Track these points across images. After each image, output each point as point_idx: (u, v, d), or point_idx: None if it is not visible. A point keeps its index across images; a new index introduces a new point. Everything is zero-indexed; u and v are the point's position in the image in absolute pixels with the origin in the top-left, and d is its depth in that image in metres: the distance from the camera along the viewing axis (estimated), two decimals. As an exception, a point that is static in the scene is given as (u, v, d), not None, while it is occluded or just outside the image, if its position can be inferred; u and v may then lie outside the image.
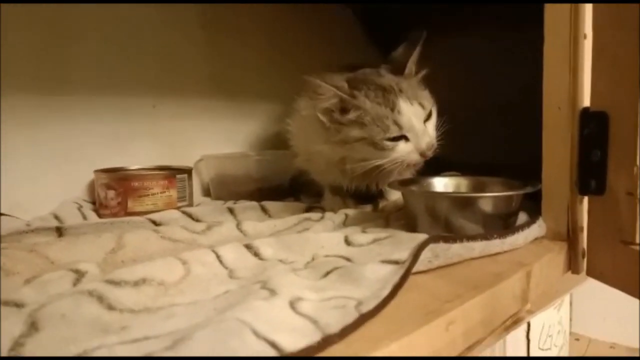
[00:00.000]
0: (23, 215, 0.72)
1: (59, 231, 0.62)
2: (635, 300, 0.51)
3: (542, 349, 0.79)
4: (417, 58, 0.71)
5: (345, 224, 0.68)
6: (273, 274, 0.42)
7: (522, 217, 0.61)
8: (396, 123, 0.65)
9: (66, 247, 0.54)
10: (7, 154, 0.73)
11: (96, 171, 0.79)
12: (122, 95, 0.87)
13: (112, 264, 0.51)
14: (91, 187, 0.82)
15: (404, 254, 0.46)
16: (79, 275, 0.44)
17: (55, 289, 0.41)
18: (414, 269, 0.45)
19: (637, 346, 1.21)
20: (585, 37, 0.55)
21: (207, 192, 0.99)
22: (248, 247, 0.51)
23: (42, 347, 0.30)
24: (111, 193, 0.75)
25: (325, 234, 0.56)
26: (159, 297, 0.39)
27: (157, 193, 0.77)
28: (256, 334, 0.30)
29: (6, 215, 0.71)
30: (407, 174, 0.78)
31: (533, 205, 0.61)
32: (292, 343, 0.30)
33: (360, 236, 0.56)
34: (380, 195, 0.82)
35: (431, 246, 0.47)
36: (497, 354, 0.75)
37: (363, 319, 0.35)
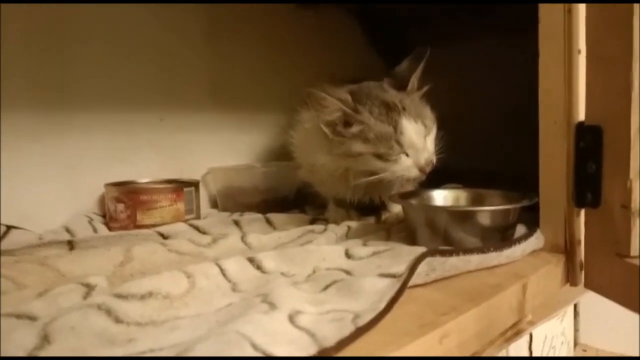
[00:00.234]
0: (33, 229, 0.74)
1: (70, 244, 0.64)
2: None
3: (545, 360, 0.80)
4: (420, 74, 0.73)
5: (347, 236, 0.70)
6: (274, 287, 0.44)
7: (520, 230, 0.62)
8: (398, 142, 0.66)
9: (77, 261, 0.56)
10: (17, 167, 0.75)
11: (106, 185, 0.81)
12: (129, 109, 0.89)
13: (121, 277, 0.53)
14: (101, 201, 0.84)
15: (401, 268, 0.47)
16: (89, 288, 0.46)
17: (66, 302, 0.43)
18: (412, 282, 0.46)
19: (646, 356, 1.20)
20: (579, 52, 0.57)
21: (214, 204, 1.01)
22: (251, 260, 0.52)
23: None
24: (121, 206, 0.78)
25: (326, 247, 0.57)
26: (165, 310, 0.41)
27: (165, 206, 0.79)
28: (254, 346, 0.32)
29: (19, 228, 0.73)
30: (409, 187, 0.80)
31: (532, 217, 0.62)
32: (289, 355, 0.32)
33: (360, 249, 0.57)
34: (383, 207, 0.83)
35: (428, 259, 0.48)
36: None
37: (359, 332, 0.36)
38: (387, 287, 0.44)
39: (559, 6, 0.57)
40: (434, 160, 0.68)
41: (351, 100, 0.69)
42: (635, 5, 0.49)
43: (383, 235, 0.68)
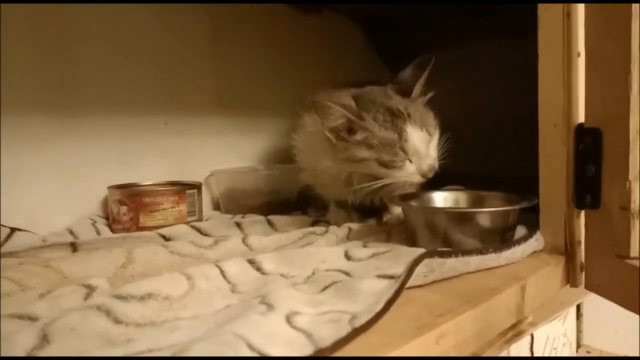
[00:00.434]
0: (38, 231, 0.75)
1: (73, 246, 0.65)
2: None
3: (547, 362, 0.80)
4: (425, 81, 0.73)
5: (348, 237, 0.70)
6: (273, 289, 0.44)
7: (520, 231, 0.62)
8: (403, 149, 0.67)
9: (79, 262, 0.56)
10: (22, 171, 0.76)
11: (109, 187, 0.82)
12: (134, 113, 0.90)
13: (122, 279, 0.54)
14: (105, 203, 0.85)
15: (399, 269, 0.47)
16: (90, 290, 0.46)
17: (67, 303, 0.43)
18: (411, 283, 0.46)
19: (650, 359, 1.19)
20: (579, 55, 0.57)
21: (217, 206, 1.02)
22: (251, 262, 0.53)
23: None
24: (123, 208, 0.78)
25: (326, 249, 0.58)
26: (164, 311, 0.41)
27: (168, 208, 0.80)
28: (251, 347, 0.32)
29: (23, 230, 0.74)
30: (411, 188, 0.80)
31: (533, 219, 0.62)
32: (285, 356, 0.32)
33: (360, 251, 0.57)
34: (385, 208, 0.84)
35: (426, 261, 0.48)
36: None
37: (356, 333, 0.37)
38: (385, 289, 0.44)
39: (558, 9, 0.57)
40: (436, 166, 0.69)
41: (355, 107, 0.69)
42: (634, 8, 0.49)
43: (383, 236, 0.68)
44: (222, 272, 0.50)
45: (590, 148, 0.56)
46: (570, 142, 0.57)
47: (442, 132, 0.74)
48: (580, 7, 0.55)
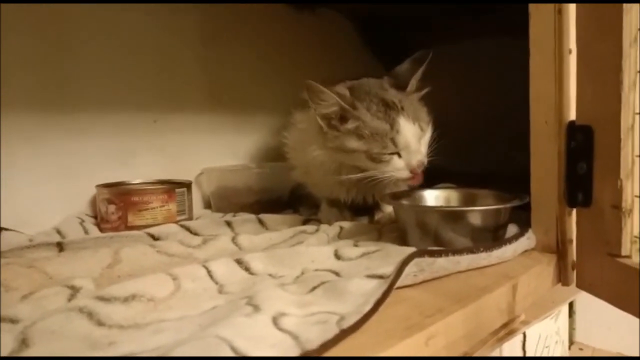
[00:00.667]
0: (27, 230, 0.74)
1: (60, 246, 0.64)
2: None
3: (539, 360, 0.79)
4: (421, 76, 0.73)
5: (339, 236, 0.70)
6: (260, 289, 0.44)
7: (512, 229, 0.62)
8: (393, 141, 0.66)
9: (65, 263, 0.56)
10: (12, 169, 0.75)
11: (97, 186, 0.80)
12: (123, 110, 0.89)
13: (109, 279, 0.53)
14: (94, 202, 0.84)
15: (389, 269, 0.46)
16: (74, 290, 0.45)
17: (50, 304, 0.42)
18: (401, 283, 0.46)
19: (642, 355, 1.20)
20: (570, 51, 0.56)
21: (208, 205, 1.01)
22: (239, 261, 0.52)
23: (31, 363, 0.32)
24: (112, 207, 0.77)
25: (315, 248, 0.57)
26: (149, 313, 0.41)
27: (157, 207, 0.79)
28: (234, 350, 0.31)
29: (10, 230, 0.72)
30: (403, 186, 0.80)
31: (525, 216, 0.62)
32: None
33: (350, 250, 0.57)
34: (377, 207, 0.83)
35: (416, 260, 0.48)
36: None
37: (343, 335, 0.36)
38: (374, 289, 0.43)
39: (550, 6, 0.56)
40: (426, 163, 0.68)
41: (349, 96, 0.69)
42: (625, 5, 0.49)
43: (375, 235, 0.68)
44: (209, 272, 0.49)
45: (582, 146, 0.55)
46: (562, 139, 0.57)
47: (437, 129, 0.74)
48: (572, 4, 0.55)
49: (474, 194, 0.68)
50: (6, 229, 0.72)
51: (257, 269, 0.52)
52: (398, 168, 0.67)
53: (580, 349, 1.27)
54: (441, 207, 0.67)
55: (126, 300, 0.41)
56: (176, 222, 0.78)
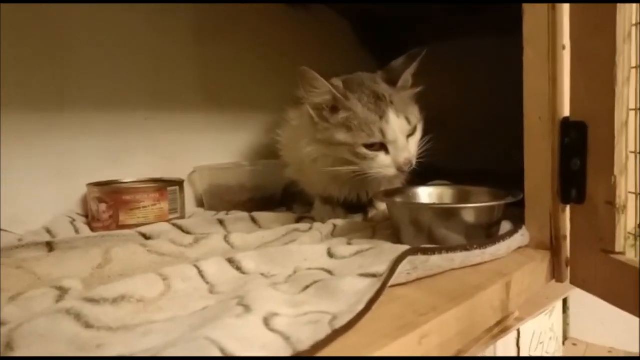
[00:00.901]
0: (16, 229, 0.73)
1: (50, 246, 0.63)
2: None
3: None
4: (414, 72, 0.72)
5: (333, 234, 0.69)
6: (252, 289, 0.43)
7: (506, 226, 0.61)
8: (381, 131, 0.66)
9: (54, 263, 0.55)
10: (5, 169, 0.74)
11: (88, 185, 0.80)
12: (115, 109, 0.88)
13: (99, 279, 0.52)
14: (85, 201, 0.83)
15: (382, 267, 0.46)
16: (62, 292, 0.45)
17: (37, 306, 0.41)
18: (394, 281, 0.45)
19: (636, 350, 1.20)
20: (564, 47, 0.56)
21: (200, 203, 1.00)
22: (230, 261, 0.51)
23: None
24: (103, 206, 0.76)
25: (308, 247, 0.56)
26: (138, 314, 0.40)
27: (149, 206, 0.78)
28: (223, 351, 0.31)
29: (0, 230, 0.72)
30: (397, 183, 0.79)
31: (519, 213, 0.62)
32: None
33: (343, 248, 0.56)
34: (371, 204, 0.83)
35: (410, 258, 0.47)
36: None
37: (336, 335, 0.35)
38: (367, 288, 0.43)
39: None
40: (414, 162, 0.67)
41: (342, 87, 0.69)
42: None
43: (369, 233, 0.67)
44: (200, 272, 0.48)
45: (576, 142, 0.55)
46: (556, 135, 0.57)
47: (432, 126, 0.73)
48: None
49: (467, 191, 0.67)
50: (-5, 229, 0.71)
51: (249, 268, 0.51)
52: (384, 165, 0.67)
53: (574, 345, 1.27)
54: (434, 204, 0.67)
55: (115, 301, 0.40)
56: (168, 220, 0.77)
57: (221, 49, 1.04)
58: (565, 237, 0.58)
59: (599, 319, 1.26)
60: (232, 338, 0.32)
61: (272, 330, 0.35)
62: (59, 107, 0.80)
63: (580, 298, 1.23)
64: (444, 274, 0.51)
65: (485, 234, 0.58)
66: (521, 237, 0.58)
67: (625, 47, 0.49)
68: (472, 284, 0.48)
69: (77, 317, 0.37)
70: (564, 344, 1.19)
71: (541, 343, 0.81)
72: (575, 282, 0.58)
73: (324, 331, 0.35)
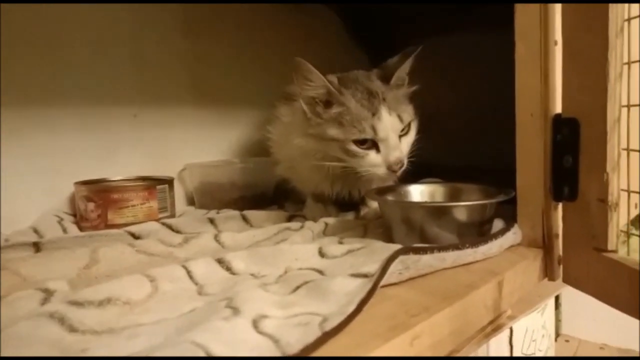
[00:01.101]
0: (2, 229, 0.71)
1: (36, 246, 0.62)
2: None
3: (526, 354, 0.79)
4: (410, 70, 0.72)
5: (324, 233, 0.68)
6: (241, 290, 0.42)
7: (498, 224, 0.61)
8: (373, 128, 0.65)
9: (40, 264, 0.54)
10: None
11: (76, 183, 0.78)
12: (104, 105, 0.86)
13: (86, 280, 0.51)
14: (73, 200, 0.82)
15: (373, 267, 0.45)
16: (48, 294, 0.44)
17: (21, 309, 0.40)
18: (385, 281, 0.45)
19: (628, 347, 1.21)
20: (556, 43, 0.55)
21: (191, 201, 0.99)
22: (220, 261, 0.50)
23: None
24: (91, 205, 0.75)
25: (299, 246, 0.56)
26: (124, 317, 0.39)
27: (138, 204, 0.77)
28: (210, 355, 0.30)
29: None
30: (389, 181, 0.79)
31: (512, 211, 0.61)
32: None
33: (335, 247, 0.56)
34: (363, 202, 0.82)
35: (401, 258, 0.47)
36: None
37: (326, 337, 0.35)
38: (358, 288, 0.42)
39: None
40: (405, 162, 0.67)
41: (337, 82, 0.68)
42: (611, -4, 0.48)
43: (360, 231, 0.67)
44: (188, 272, 0.47)
45: (568, 139, 0.55)
46: (548, 132, 0.56)
47: (424, 123, 0.73)
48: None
49: (459, 189, 0.67)
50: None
51: (239, 269, 0.50)
52: (374, 164, 0.66)
53: (566, 341, 1.28)
54: (426, 202, 0.66)
55: (101, 304, 0.39)
56: (158, 219, 0.76)
57: (211, 45, 1.02)
58: (557, 235, 0.58)
59: (591, 316, 1.26)
60: (219, 342, 0.32)
61: (261, 332, 0.35)
62: (45, 104, 0.79)
63: (572, 295, 1.23)
64: (435, 273, 0.50)
65: (477, 232, 0.57)
66: (513, 236, 0.58)
67: (617, 42, 0.49)
68: (464, 283, 0.47)
69: (61, 320, 0.36)
70: (556, 340, 1.20)
71: (534, 340, 0.81)
72: (567, 281, 0.58)
73: (313, 333, 0.34)
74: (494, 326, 0.66)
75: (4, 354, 0.32)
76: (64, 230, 0.74)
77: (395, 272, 0.46)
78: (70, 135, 0.82)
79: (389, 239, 0.60)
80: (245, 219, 0.78)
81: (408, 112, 0.69)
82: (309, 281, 0.46)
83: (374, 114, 0.65)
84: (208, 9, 1.01)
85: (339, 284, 0.43)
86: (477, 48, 1.06)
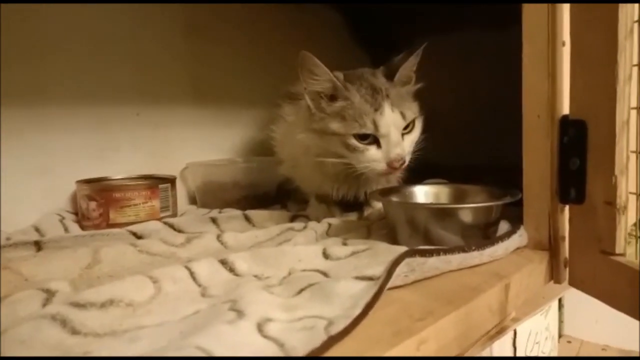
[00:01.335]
0: (4, 228, 0.71)
1: (38, 245, 0.62)
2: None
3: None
4: (415, 67, 0.71)
5: (328, 233, 0.68)
6: (244, 292, 0.42)
7: (503, 227, 0.60)
8: (374, 123, 0.65)
9: (41, 263, 0.53)
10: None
11: (78, 182, 0.78)
12: (104, 104, 0.86)
13: (87, 280, 0.51)
14: (74, 198, 0.81)
15: (379, 269, 0.45)
16: (49, 294, 0.43)
17: (22, 310, 0.40)
18: (391, 284, 0.44)
19: (629, 348, 1.20)
20: (564, 44, 0.55)
21: (193, 200, 0.98)
22: (223, 262, 0.50)
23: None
24: (93, 204, 0.75)
25: (303, 247, 0.55)
26: (126, 319, 0.39)
27: (140, 204, 0.76)
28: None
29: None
30: (393, 181, 0.78)
31: (517, 212, 0.61)
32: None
33: (339, 249, 0.55)
34: (367, 202, 0.81)
35: (407, 260, 0.46)
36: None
37: (331, 341, 0.34)
38: (363, 291, 0.42)
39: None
40: (406, 160, 0.66)
41: (342, 78, 0.68)
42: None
43: (364, 232, 0.66)
44: (191, 273, 0.47)
45: (575, 140, 0.54)
46: (555, 134, 0.56)
47: (427, 121, 0.72)
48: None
49: (464, 190, 0.66)
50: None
51: (242, 270, 0.50)
52: (374, 159, 0.65)
53: (569, 342, 1.27)
54: (431, 204, 0.66)
55: (103, 305, 0.39)
56: (160, 219, 0.75)
57: (212, 45, 1.02)
58: (563, 237, 0.57)
59: (593, 317, 1.26)
60: (223, 346, 0.31)
61: (266, 336, 0.34)
62: (46, 102, 0.78)
63: (574, 296, 1.23)
64: (440, 275, 0.50)
65: (482, 234, 0.57)
66: (519, 238, 0.57)
67: (626, 43, 0.48)
68: (470, 286, 0.47)
69: (63, 323, 0.36)
70: (558, 341, 1.19)
71: (537, 343, 0.80)
72: (573, 284, 0.57)
73: (319, 338, 0.34)
74: (497, 328, 0.66)
75: (4, 357, 0.32)
76: (66, 229, 0.74)
77: (400, 274, 0.45)
78: (71, 134, 0.82)
79: (392, 240, 0.59)
80: (247, 218, 0.77)
81: (412, 110, 0.69)
82: (313, 283, 0.45)
83: (376, 110, 0.65)
84: (209, 9, 1.00)
85: (343, 287, 0.43)
86: (479, 47, 1.06)
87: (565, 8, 0.54)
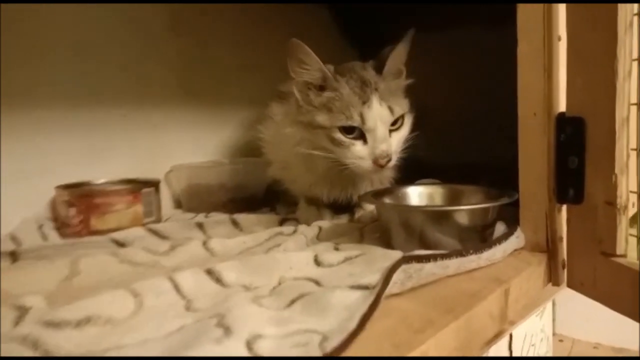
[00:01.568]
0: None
1: (14, 256, 0.58)
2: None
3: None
4: (405, 58, 0.69)
5: (318, 238, 0.66)
6: (232, 306, 0.39)
7: (500, 228, 0.58)
8: (361, 116, 0.63)
9: (16, 276, 0.50)
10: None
11: (57, 187, 0.74)
12: (89, 106, 0.83)
13: (65, 293, 0.47)
14: (54, 205, 0.78)
15: (374, 277, 0.43)
16: (22, 312, 0.40)
17: (-6, 329, 0.37)
18: (387, 292, 0.42)
19: (621, 346, 1.20)
20: (559, 39, 0.53)
21: (178, 204, 0.95)
22: (209, 272, 0.47)
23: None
24: (72, 211, 0.71)
25: (294, 254, 0.53)
26: (105, 338, 0.36)
27: (122, 209, 0.73)
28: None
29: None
30: (386, 183, 0.76)
31: (513, 213, 0.59)
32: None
33: (331, 255, 0.53)
34: (357, 204, 0.79)
35: (403, 267, 0.44)
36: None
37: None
38: (359, 301, 0.39)
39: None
40: (393, 158, 0.64)
41: (333, 70, 0.67)
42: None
43: (356, 236, 0.64)
44: (175, 285, 0.44)
45: (573, 138, 0.52)
46: (551, 132, 0.54)
47: (423, 119, 0.70)
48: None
49: (459, 191, 0.64)
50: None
51: (230, 280, 0.47)
52: (359, 156, 0.63)
53: (560, 341, 1.27)
54: (426, 206, 0.64)
55: (79, 324, 0.36)
56: (143, 224, 0.72)
57: (200, 45, 0.99)
58: (561, 238, 0.55)
59: (584, 315, 1.25)
60: (210, 369, 0.29)
61: (256, 355, 0.32)
62: (29, 104, 0.75)
63: (566, 295, 1.22)
64: (437, 281, 0.48)
65: (479, 236, 0.55)
66: (516, 240, 0.55)
67: (626, 37, 0.46)
68: (468, 292, 0.45)
69: (35, 345, 0.33)
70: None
71: (533, 345, 0.79)
72: (572, 286, 0.56)
73: (313, 355, 0.32)
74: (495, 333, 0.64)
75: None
76: (44, 237, 0.70)
77: (397, 282, 0.43)
78: (55, 136, 0.78)
79: (386, 244, 0.57)
80: (235, 223, 0.75)
81: (400, 105, 0.67)
82: (305, 293, 0.43)
83: (364, 102, 0.64)
84: (198, 9, 0.98)
85: (337, 297, 0.40)
86: (473, 44, 1.04)
87: (561, 2, 0.52)
